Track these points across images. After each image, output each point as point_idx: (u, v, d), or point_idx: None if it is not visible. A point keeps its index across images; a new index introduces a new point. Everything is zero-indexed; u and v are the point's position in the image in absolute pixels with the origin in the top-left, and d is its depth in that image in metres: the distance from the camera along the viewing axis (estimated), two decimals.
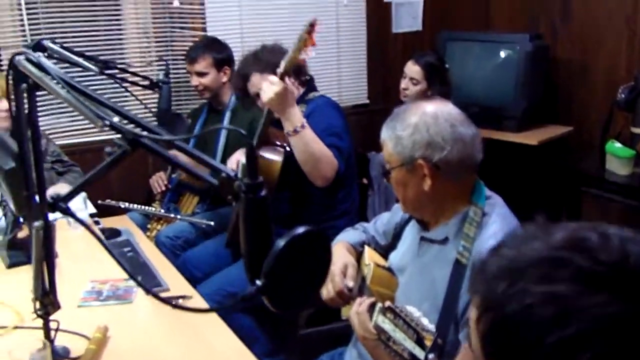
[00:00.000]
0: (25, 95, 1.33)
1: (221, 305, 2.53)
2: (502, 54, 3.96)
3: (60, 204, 1.11)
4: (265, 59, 2.74)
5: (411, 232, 1.82)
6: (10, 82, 1.33)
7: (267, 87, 2.41)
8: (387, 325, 1.48)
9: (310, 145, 2.47)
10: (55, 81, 1.23)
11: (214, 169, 1.12)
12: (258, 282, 1.04)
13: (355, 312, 1.64)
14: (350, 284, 1.82)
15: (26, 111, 1.35)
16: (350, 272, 1.85)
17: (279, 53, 2.74)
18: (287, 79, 2.42)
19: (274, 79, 2.39)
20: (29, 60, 1.29)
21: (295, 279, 1.08)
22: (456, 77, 3.79)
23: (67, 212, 1.12)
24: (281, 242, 1.04)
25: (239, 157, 2.76)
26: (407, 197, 1.69)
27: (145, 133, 1.16)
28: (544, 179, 4.05)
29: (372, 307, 1.60)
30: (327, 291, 1.81)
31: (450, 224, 1.64)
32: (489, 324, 0.79)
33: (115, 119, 1.18)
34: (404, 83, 3.55)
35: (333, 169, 2.53)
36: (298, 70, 2.66)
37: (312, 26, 2.25)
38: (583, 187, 3.51)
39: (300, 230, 1.06)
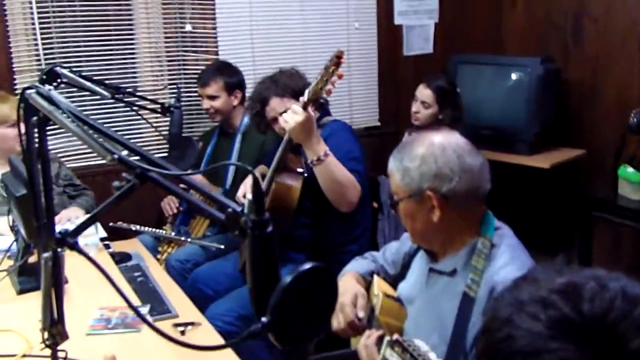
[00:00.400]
0: (35, 128, 1.34)
1: (230, 327, 2.52)
2: (514, 77, 3.96)
3: (69, 239, 1.11)
4: (284, 82, 2.75)
5: (420, 262, 1.82)
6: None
7: (291, 117, 2.39)
8: (394, 358, 1.47)
9: (334, 173, 2.47)
10: (64, 115, 1.24)
11: (221, 204, 1.12)
12: (264, 319, 1.04)
13: (364, 345, 1.63)
14: (361, 314, 1.81)
15: (36, 144, 1.36)
16: (360, 303, 1.84)
17: (297, 78, 2.75)
18: (309, 108, 2.41)
19: (298, 108, 2.38)
20: (39, 94, 1.31)
21: (301, 315, 1.07)
22: (468, 100, 3.80)
23: (75, 248, 1.12)
24: (287, 278, 1.03)
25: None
26: (415, 229, 1.69)
27: (152, 167, 1.16)
28: (556, 202, 4.03)
29: (380, 340, 1.59)
30: (338, 322, 1.80)
31: (459, 255, 1.63)
32: (483, 347, 0.84)
33: (124, 152, 1.19)
34: (415, 106, 3.56)
35: (358, 194, 2.54)
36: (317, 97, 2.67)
37: (338, 58, 2.23)
38: (595, 212, 3.49)
39: (307, 266, 1.06)
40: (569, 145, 4.03)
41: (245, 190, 2.73)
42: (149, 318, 1.95)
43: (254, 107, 2.88)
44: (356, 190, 2.54)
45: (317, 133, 2.46)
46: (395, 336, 1.51)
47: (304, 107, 2.38)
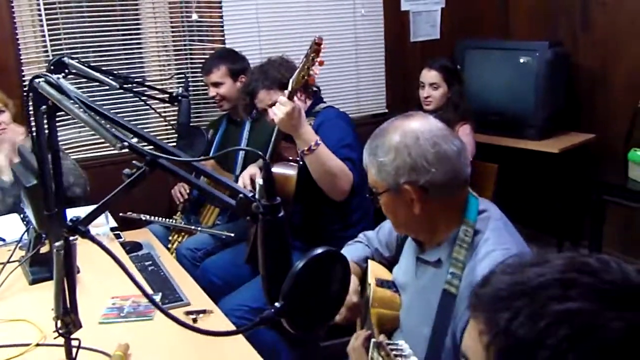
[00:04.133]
0: (45, 117, 1.34)
1: (242, 321, 2.52)
2: (522, 62, 3.93)
3: (80, 227, 1.12)
4: (272, 74, 2.75)
5: (409, 249, 1.75)
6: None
7: (278, 108, 2.39)
8: None
9: (326, 163, 2.46)
10: (74, 103, 1.24)
11: (232, 190, 1.12)
12: (277, 304, 1.04)
13: (352, 347, 1.62)
14: (354, 298, 1.79)
15: (46, 133, 1.36)
16: (352, 287, 1.77)
17: (285, 68, 2.74)
18: (295, 97, 2.40)
19: (284, 99, 2.37)
20: (48, 82, 1.31)
21: (314, 300, 1.07)
22: (476, 85, 3.78)
23: (87, 236, 1.12)
24: (300, 264, 1.03)
25: (251, 172, 2.77)
26: (398, 221, 1.64)
27: (163, 154, 1.16)
28: (566, 188, 4.01)
29: (368, 341, 1.57)
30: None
31: (443, 246, 1.57)
32: (502, 349, 0.79)
33: (134, 140, 1.19)
34: (424, 92, 3.54)
35: (349, 183, 2.53)
36: (305, 85, 2.65)
37: (317, 45, 2.21)
38: (605, 196, 3.47)
39: (319, 251, 1.06)
40: (578, 129, 4.00)
41: (245, 182, 2.72)
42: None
43: (244, 99, 2.89)
44: (348, 178, 2.52)
45: (306, 123, 2.45)
46: (381, 337, 1.48)
47: (290, 97, 2.37)
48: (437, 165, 1.49)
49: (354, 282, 1.82)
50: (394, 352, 1.40)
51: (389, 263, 1.93)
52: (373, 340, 1.52)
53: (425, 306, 1.56)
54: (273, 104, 2.67)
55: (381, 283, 1.76)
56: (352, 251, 2.00)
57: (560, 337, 0.74)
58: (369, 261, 1.92)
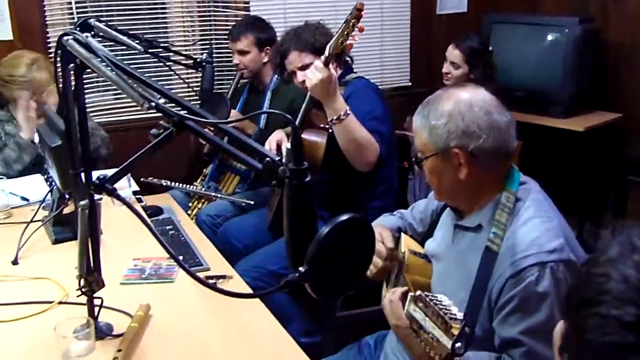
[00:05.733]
0: (72, 74, 1.34)
1: (257, 283, 2.54)
2: (550, 38, 3.86)
3: (107, 185, 1.12)
4: (306, 38, 2.72)
5: (446, 219, 1.80)
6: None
7: (312, 73, 2.37)
8: (418, 314, 1.46)
9: (353, 133, 2.44)
10: (102, 62, 1.24)
11: (259, 154, 1.11)
12: (301, 269, 1.03)
13: (389, 300, 1.63)
14: (390, 244, 1.84)
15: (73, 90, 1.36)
16: (385, 235, 1.87)
17: (321, 34, 2.71)
18: (331, 65, 2.38)
19: (320, 65, 2.35)
20: (76, 40, 1.30)
21: (338, 266, 1.07)
22: (502, 60, 3.72)
23: (113, 194, 1.13)
24: (325, 229, 1.03)
25: (278, 137, 2.76)
26: (441, 186, 1.67)
27: (190, 115, 1.15)
28: (590, 166, 3.96)
29: (404, 296, 1.58)
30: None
31: (484, 211, 1.61)
32: (578, 277, 0.84)
33: (161, 100, 1.18)
34: (445, 67, 3.53)
35: (376, 155, 2.51)
36: (341, 52, 2.63)
37: (359, 10, 2.20)
38: (630, 176, 3.43)
39: (344, 217, 1.05)
40: (604, 108, 3.94)
41: (271, 147, 2.72)
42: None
43: (274, 58, 2.88)
44: (375, 150, 2.51)
45: (338, 91, 2.43)
46: (419, 292, 1.50)
47: (326, 64, 2.35)
48: (488, 132, 1.54)
49: (386, 232, 1.88)
50: (433, 302, 1.41)
51: (421, 239, 1.96)
52: (410, 294, 1.54)
53: (462, 270, 1.61)
54: (302, 67, 2.65)
55: (414, 253, 1.81)
56: (386, 220, 2.06)
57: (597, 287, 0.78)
58: (402, 234, 1.96)
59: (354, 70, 2.86)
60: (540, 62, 3.90)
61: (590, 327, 0.78)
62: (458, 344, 1.33)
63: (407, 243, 1.88)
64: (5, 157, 2.81)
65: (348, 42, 2.28)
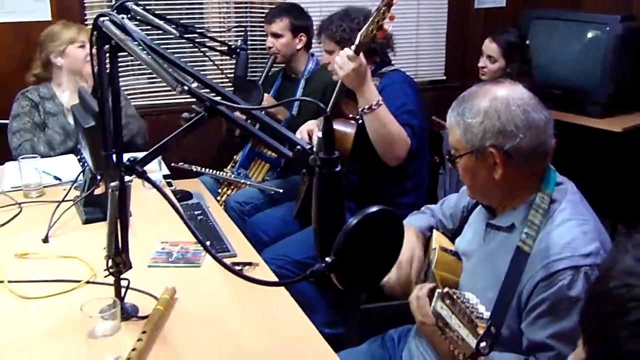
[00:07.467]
0: (107, 56, 1.34)
1: (282, 271, 2.54)
2: (590, 35, 3.78)
3: (137, 168, 1.12)
4: (335, 25, 2.70)
5: (478, 217, 1.77)
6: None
7: (344, 62, 2.35)
8: (444, 311, 1.44)
9: (384, 124, 2.42)
10: (137, 44, 1.24)
11: (290, 141, 1.10)
12: (328, 259, 1.02)
13: (416, 296, 1.62)
14: (414, 276, 1.81)
15: (108, 71, 1.37)
16: (415, 265, 1.83)
17: (349, 21, 2.68)
18: (362, 54, 2.34)
19: (351, 53, 2.32)
20: (112, 22, 1.30)
21: (365, 259, 1.06)
22: (540, 57, 3.65)
23: (143, 176, 1.13)
24: (354, 220, 1.01)
25: (309, 128, 2.75)
26: (475, 185, 1.63)
27: (222, 101, 1.15)
28: (626, 169, 3.88)
29: (432, 292, 1.57)
30: (390, 277, 1.78)
31: (518, 211, 1.57)
32: (595, 293, 0.84)
33: (194, 84, 1.18)
34: (482, 61, 3.48)
35: (406, 149, 2.48)
36: (373, 39, 2.59)
37: None
38: None
39: (374, 208, 1.03)
40: None
41: (302, 136, 2.70)
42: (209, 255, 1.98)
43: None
44: (405, 144, 2.48)
45: (370, 81, 2.40)
46: (446, 289, 1.48)
47: (357, 52, 2.32)
48: (525, 131, 1.49)
49: (418, 259, 1.85)
50: (460, 299, 1.39)
51: (451, 235, 1.94)
52: (438, 290, 1.52)
53: (491, 270, 1.58)
54: (328, 52, 2.64)
55: (444, 250, 1.78)
56: (418, 220, 2.03)
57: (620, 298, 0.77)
58: (434, 230, 1.94)
59: (392, 63, 2.83)
60: (580, 60, 3.82)
61: (623, 338, 0.75)
62: (483, 344, 1.31)
63: (439, 240, 1.86)
64: (49, 140, 2.84)
65: (379, 30, 2.25)
